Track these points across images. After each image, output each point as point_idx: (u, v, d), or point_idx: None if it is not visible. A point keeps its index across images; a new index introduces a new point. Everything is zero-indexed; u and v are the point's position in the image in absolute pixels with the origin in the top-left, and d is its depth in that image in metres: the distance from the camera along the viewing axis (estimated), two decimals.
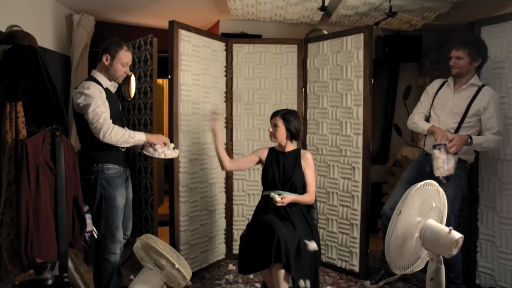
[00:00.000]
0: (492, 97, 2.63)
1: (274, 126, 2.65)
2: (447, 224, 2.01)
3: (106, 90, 2.42)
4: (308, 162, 2.67)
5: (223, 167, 2.74)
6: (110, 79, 2.48)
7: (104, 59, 2.43)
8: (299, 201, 2.58)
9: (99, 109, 2.26)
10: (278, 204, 2.48)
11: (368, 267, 3.24)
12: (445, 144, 2.51)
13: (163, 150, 2.52)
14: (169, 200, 3.08)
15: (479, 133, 2.70)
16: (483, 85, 2.70)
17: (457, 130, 2.69)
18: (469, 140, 2.54)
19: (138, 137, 2.40)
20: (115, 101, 2.51)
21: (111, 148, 2.41)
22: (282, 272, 2.29)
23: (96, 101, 2.27)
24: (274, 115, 2.68)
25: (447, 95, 2.79)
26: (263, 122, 3.52)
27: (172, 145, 2.57)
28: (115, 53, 2.42)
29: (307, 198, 2.62)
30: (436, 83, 2.93)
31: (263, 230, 2.37)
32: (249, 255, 2.41)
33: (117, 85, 2.59)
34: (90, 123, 2.28)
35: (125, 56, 2.45)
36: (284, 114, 2.65)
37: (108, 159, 2.41)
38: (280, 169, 2.64)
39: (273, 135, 2.67)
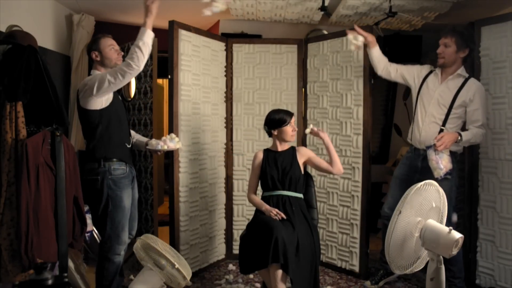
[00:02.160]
0: (478, 89, 2.66)
1: (294, 123, 2.70)
2: (448, 218, 2.01)
3: None
4: (305, 153, 2.71)
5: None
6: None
7: (94, 56, 2.47)
8: (331, 151, 2.65)
9: (108, 73, 2.29)
10: (315, 132, 2.66)
11: (368, 267, 3.24)
12: (434, 144, 2.51)
13: (166, 143, 2.52)
14: (169, 200, 3.08)
15: (464, 124, 2.72)
16: (469, 77, 2.73)
17: (444, 122, 2.70)
18: (459, 138, 2.55)
19: (146, 38, 2.27)
20: (117, 99, 2.51)
21: (116, 145, 2.43)
22: (279, 272, 2.29)
23: (101, 75, 2.31)
24: (290, 114, 2.68)
25: (433, 85, 2.81)
26: (263, 122, 3.51)
27: (174, 137, 2.57)
28: (98, 45, 2.46)
29: (337, 160, 2.65)
30: (425, 69, 2.94)
31: (261, 230, 2.37)
32: (248, 255, 2.41)
33: None
34: (116, 78, 2.26)
35: (106, 41, 2.48)
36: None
37: (114, 155, 2.41)
38: (279, 168, 2.64)
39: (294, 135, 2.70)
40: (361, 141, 3.19)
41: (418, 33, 4.17)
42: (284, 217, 2.47)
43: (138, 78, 3.89)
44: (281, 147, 2.71)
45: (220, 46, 3.49)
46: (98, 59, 2.46)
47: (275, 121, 2.66)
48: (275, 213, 2.48)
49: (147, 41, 2.27)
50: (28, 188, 1.94)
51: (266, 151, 2.75)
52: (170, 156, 3.05)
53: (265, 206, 2.55)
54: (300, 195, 2.64)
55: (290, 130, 2.65)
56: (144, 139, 2.67)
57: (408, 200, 1.80)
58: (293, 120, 2.68)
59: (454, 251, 1.76)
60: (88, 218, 2.98)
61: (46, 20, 3.50)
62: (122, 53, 2.53)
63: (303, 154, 2.70)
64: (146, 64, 3.75)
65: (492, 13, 3.26)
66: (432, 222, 1.84)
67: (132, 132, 2.73)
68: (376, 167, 4.10)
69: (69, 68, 3.80)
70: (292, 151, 2.71)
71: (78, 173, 2.30)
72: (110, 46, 2.47)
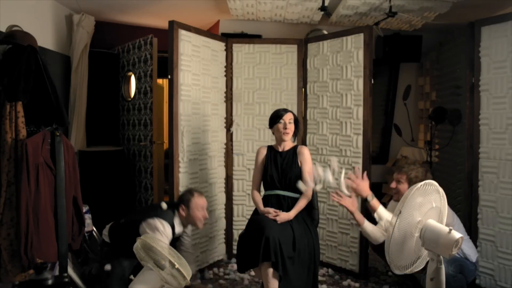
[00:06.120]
0: None
1: (290, 122, 2.63)
2: None
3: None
4: (305, 157, 2.66)
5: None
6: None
7: (180, 209, 2.59)
8: (301, 208, 2.57)
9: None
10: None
11: (368, 267, 3.24)
12: None
13: None
14: (169, 200, 3.08)
15: None
16: None
17: None
18: None
19: None
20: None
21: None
22: (270, 270, 2.32)
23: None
24: (285, 112, 2.65)
25: None
26: (263, 122, 3.51)
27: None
28: (189, 204, 2.58)
29: (304, 201, 2.60)
30: None
31: (254, 229, 2.41)
32: (243, 254, 2.45)
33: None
34: None
35: (198, 201, 2.60)
36: (290, 111, 2.69)
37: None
38: (278, 169, 2.65)
39: (289, 132, 2.64)
40: (361, 141, 3.19)
41: (418, 33, 4.17)
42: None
43: (138, 78, 3.89)
44: (281, 147, 2.71)
45: (220, 46, 3.49)
46: (184, 214, 2.59)
47: (271, 119, 2.68)
48: (272, 213, 2.49)
49: None
50: (28, 188, 1.94)
51: (270, 148, 2.75)
52: (170, 156, 3.04)
53: (261, 210, 2.57)
54: (299, 196, 2.64)
55: (281, 127, 2.62)
56: None
57: (408, 200, 1.79)
58: (289, 118, 2.63)
59: (454, 251, 1.76)
60: (88, 218, 2.98)
61: (46, 20, 3.50)
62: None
63: (303, 158, 2.66)
64: (146, 64, 3.76)
65: (492, 13, 3.26)
66: (432, 222, 1.84)
67: None
68: (376, 167, 4.10)
69: (69, 68, 3.80)
70: (293, 151, 2.69)
71: (77, 173, 2.30)
72: (201, 210, 2.60)
